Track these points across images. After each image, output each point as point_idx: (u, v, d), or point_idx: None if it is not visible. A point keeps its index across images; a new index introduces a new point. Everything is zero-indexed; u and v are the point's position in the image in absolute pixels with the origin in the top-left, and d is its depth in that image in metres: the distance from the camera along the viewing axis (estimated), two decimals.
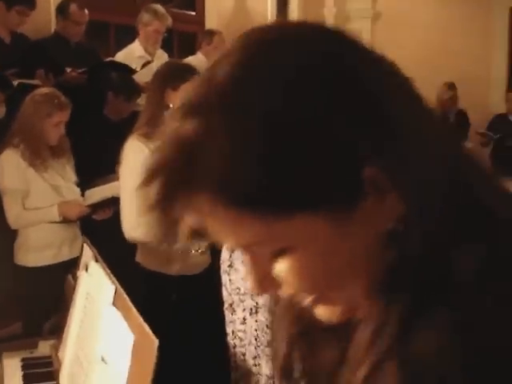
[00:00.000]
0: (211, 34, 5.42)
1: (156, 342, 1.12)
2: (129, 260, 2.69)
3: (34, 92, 3.07)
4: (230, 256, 1.26)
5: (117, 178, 2.90)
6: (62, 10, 4.38)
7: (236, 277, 1.24)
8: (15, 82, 3.54)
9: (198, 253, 2.66)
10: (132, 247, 2.71)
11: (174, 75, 2.57)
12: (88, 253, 1.80)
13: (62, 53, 4.15)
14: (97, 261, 1.68)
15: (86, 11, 4.41)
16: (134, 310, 1.28)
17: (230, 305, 1.27)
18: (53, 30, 4.57)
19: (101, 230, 2.95)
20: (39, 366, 2.08)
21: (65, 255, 3.07)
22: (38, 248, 3.04)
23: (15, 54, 3.80)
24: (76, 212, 3.01)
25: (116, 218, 2.80)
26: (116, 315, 1.37)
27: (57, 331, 2.24)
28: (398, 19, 7.73)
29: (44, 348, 2.18)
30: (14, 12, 3.88)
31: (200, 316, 2.57)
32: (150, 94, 2.65)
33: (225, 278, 1.29)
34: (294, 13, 7.66)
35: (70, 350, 1.73)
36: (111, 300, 1.43)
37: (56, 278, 2.86)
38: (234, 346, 1.28)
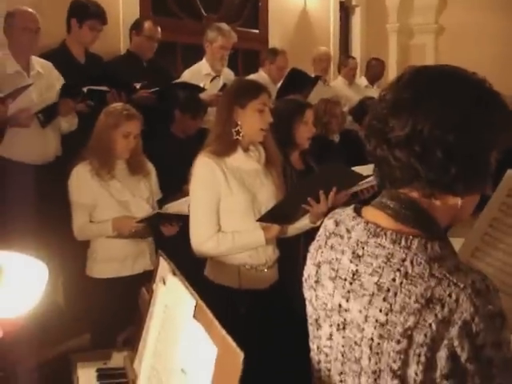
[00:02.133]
0: (275, 52, 5.46)
1: (241, 354, 1.13)
2: (198, 274, 2.72)
3: (106, 108, 3.17)
4: (317, 272, 1.25)
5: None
6: (136, 26, 4.53)
7: (323, 292, 1.23)
8: (84, 89, 3.66)
9: (264, 268, 2.68)
10: (201, 261, 2.74)
11: (242, 93, 2.61)
12: (165, 266, 1.83)
13: (134, 71, 4.28)
14: (174, 274, 1.71)
15: (159, 28, 4.54)
16: (217, 323, 1.29)
17: (316, 320, 1.26)
18: (122, 49, 4.73)
19: (171, 244, 3.00)
20: (113, 377, 2.12)
21: (127, 270, 3.13)
22: (103, 260, 3.12)
23: (89, 73, 3.92)
24: (127, 227, 3.05)
25: (185, 233, 2.86)
26: (197, 328, 1.38)
27: (130, 343, 2.28)
28: (461, 33, 7.60)
29: (118, 359, 2.21)
30: (86, 28, 4.02)
31: (268, 330, 2.57)
32: (219, 112, 2.69)
33: (310, 294, 1.28)
34: (357, 29, 7.65)
35: (147, 362, 1.76)
36: (192, 313, 1.45)
37: (123, 291, 2.93)
38: (319, 362, 1.27)
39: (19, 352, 3.08)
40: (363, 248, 1.18)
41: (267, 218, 2.58)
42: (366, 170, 2.80)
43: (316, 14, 6.88)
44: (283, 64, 5.41)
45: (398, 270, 1.11)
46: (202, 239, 2.56)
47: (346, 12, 7.58)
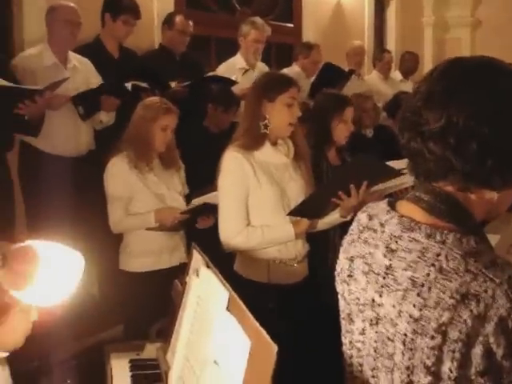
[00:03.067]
0: (309, 47, 5.44)
1: (275, 347, 1.13)
2: (227, 268, 2.72)
3: (142, 101, 3.19)
4: (350, 266, 1.25)
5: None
6: (168, 21, 4.55)
7: (356, 287, 1.22)
8: (129, 85, 3.70)
9: (294, 262, 2.67)
10: (230, 256, 2.74)
11: (271, 86, 2.59)
12: (198, 258, 1.84)
13: (167, 66, 4.30)
14: (208, 266, 1.71)
15: (191, 23, 4.56)
16: (250, 315, 1.29)
17: (348, 315, 1.25)
18: (156, 43, 4.76)
19: (204, 238, 3.01)
20: (146, 368, 2.14)
21: (164, 263, 3.14)
22: (139, 254, 3.12)
23: (124, 68, 3.96)
24: (171, 218, 3.05)
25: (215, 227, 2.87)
26: (231, 320, 1.38)
27: (163, 335, 2.30)
28: (498, 26, 7.46)
29: (150, 351, 2.24)
30: (119, 22, 4.05)
31: (297, 325, 2.56)
32: (247, 105, 2.68)
33: (343, 288, 1.27)
34: (392, 22, 7.57)
35: (180, 353, 1.77)
36: (225, 305, 1.45)
37: (159, 283, 2.95)
38: (351, 357, 1.26)
39: (54, 342, 3.14)
40: (397, 242, 1.17)
41: (297, 212, 2.57)
42: (399, 164, 2.76)
43: (350, 7, 6.83)
44: (317, 58, 5.39)
45: (433, 264, 1.10)
46: (231, 234, 2.56)
47: (380, 5, 7.50)
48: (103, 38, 4.11)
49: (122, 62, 4.12)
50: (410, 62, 6.69)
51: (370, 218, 1.26)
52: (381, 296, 1.17)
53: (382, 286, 1.17)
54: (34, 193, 3.62)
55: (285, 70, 5.02)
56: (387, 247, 1.18)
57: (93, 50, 3.99)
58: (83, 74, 3.78)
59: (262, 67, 4.91)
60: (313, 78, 5.15)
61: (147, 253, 3.12)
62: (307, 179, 2.71)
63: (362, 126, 4.80)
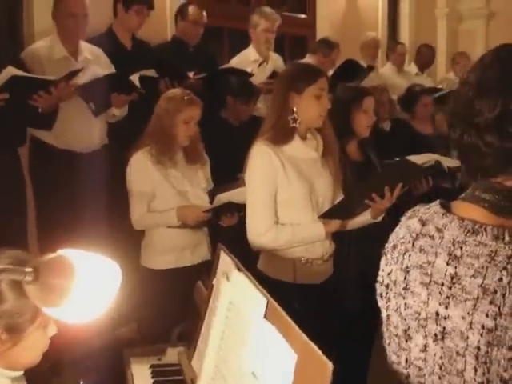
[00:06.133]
0: (331, 46, 5.20)
1: (330, 366, 1.03)
2: (250, 267, 2.63)
3: (165, 93, 3.09)
4: (405, 278, 1.13)
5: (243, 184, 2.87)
6: (181, 12, 4.44)
7: (414, 300, 1.12)
8: (136, 76, 3.59)
9: (320, 261, 2.57)
10: (253, 254, 2.65)
11: (298, 78, 2.49)
12: (227, 261, 1.74)
13: (180, 58, 4.21)
14: (239, 270, 1.61)
15: (204, 13, 4.44)
16: (295, 326, 1.19)
17: (405, 331, 1.15)
18: (169, 35, 4.65)
19: (226, 235, 2.91)
20: (169, 374, 2.06)
21: (186, 261, 3.04)
22: (161, 251, 3.03)
23: (136, 60, 3.85)
24: (193, 217, 2.94)
25: (240, 224, 2.76)
26: (270, 330, 1.28)
27: (185, 339, 2.21)
28: None
29: (172, 355, 2.15)
30: (132, 13, 3.91)
31: (324, 326, 2.46)
32: (274, 98, 2.59)
33: (398, 302, 1.16)
34: (406, 14, 7.45)
35: (209, 361, 1.67)
36: (262, 313, 1.35)
37: (180, 282, 2.86)
38: (408, 376, 1.15)
39: (65, 342, 3.04)
40: (461, 248, 1.07)
41: (330, 215, 2.49)
42: (420, 159, 2.70)
43: None
44: (337, 57, 5.24)
45: (505, 268, 1.01)
46: (259, 232, 2.45)
47: None
48: (115, 29, 3.99)
49: (134, 53, 4.01)
50: (426, 55, 6.55)
51: (423, 223, 1.15)
52: (447, 308, 1.07)
53: (448, 297, 1.07)
54: (45, 190, 3.52)
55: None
56: (450, 254, 1.08)
57: (105, 41, 3.87)
58: (95, 66, 3.67)
59: (275, 58, 4.80)
60: (330, 73, 5.03)
61: (169, 250, 3.02)
62: (335, 175, 2.62)
63: (379, 120, 4.69)
